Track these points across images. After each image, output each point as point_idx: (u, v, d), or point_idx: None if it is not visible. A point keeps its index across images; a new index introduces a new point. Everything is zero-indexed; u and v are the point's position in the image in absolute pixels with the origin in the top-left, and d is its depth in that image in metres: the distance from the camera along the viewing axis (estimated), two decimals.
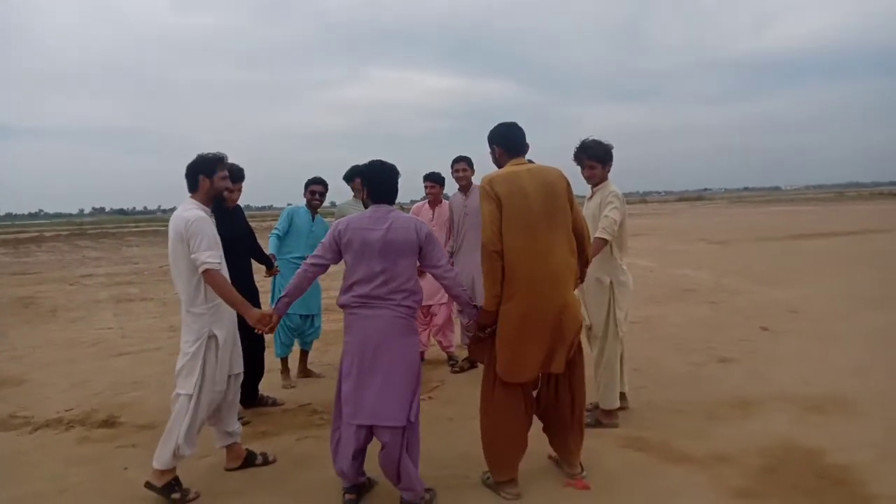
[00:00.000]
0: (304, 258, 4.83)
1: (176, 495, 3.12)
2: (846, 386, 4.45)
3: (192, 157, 3.30)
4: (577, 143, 3.98)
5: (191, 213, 3.14)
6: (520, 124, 3.29)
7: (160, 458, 3.11)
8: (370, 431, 2.91)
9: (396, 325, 2.89)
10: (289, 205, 5.33)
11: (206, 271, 3.07)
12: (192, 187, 3.29)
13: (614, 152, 4.01)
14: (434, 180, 5.40)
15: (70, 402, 4.81)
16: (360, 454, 2.97)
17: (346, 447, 2.92)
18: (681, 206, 56.97)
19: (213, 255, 3.09)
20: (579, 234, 3.19)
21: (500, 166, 3.25)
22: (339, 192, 5.39)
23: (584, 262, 3.31)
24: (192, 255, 3.08)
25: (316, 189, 5.01)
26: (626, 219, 3.91)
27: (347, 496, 3.02)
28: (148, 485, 3.13)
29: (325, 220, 5.19)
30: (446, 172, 5.34)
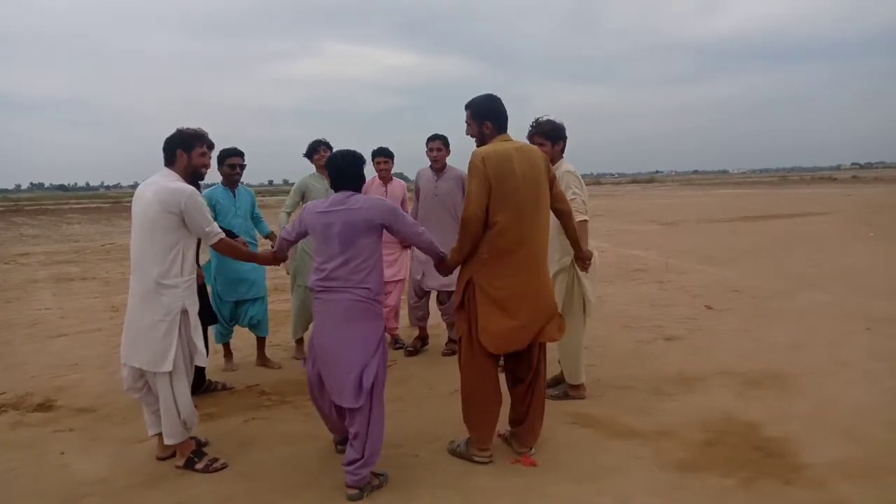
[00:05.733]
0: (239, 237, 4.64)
1: (199, 465, 3.17)
2: (782, 361, 4.65)
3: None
4: (530, 122, 3.99)
5: (184, 186, 3.12)
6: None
7: (171, 434, 3.14)
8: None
9: (356, 309, 2.92)
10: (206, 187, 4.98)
11: (220, 241, 3.19)
12: (169, 161, 3.22)
13: (568, 133, 4.01)
14: (386, 156, 5.18)
15: (3, 385, 4.59)
16: (339, 415, 3.11)
17: (325, 407, 3.15)
18: (633, 187, 58.14)
19: (217, 225, 3.21)
20: (564, 211, 3.34)
21: (484, 141, 3.20)
22: (303, 171, 5.13)
23: (572, 237, 3.45)
24: (206, 229, 3.12)
25: (235, 161, 4.60)
26: (586, 196, 3.93)
27: (339, 447, 3.24)
28: (177, 466, 3.20)
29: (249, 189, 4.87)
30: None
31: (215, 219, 4.57)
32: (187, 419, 3.16)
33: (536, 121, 3.95)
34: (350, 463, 2.88)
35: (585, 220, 3.72)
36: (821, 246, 11.16)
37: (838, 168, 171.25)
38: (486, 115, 3.21)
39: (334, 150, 3.35)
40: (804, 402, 3.86)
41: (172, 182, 3.11)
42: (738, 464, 3.09)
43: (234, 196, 4.67)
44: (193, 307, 3.16)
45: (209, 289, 4.56)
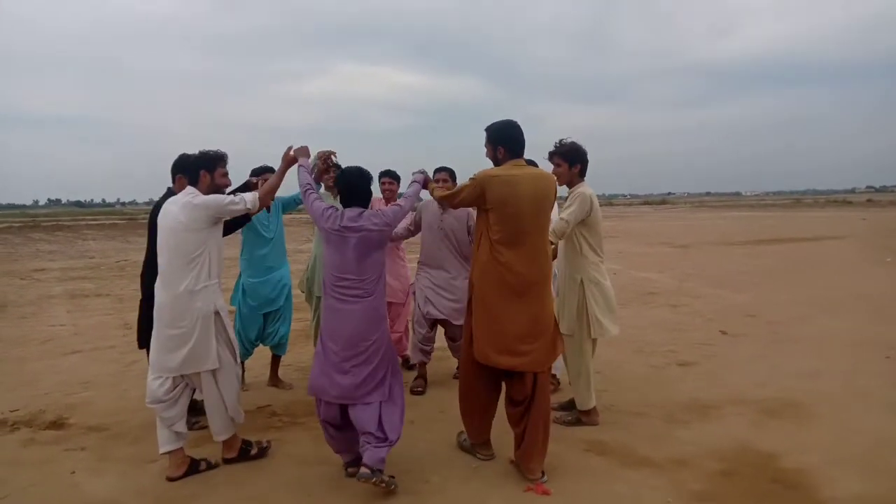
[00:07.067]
0: (266, 255, 4.68)
1: (253, 451, 3.50)
2: (799, 389, 4.57)
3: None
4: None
5: (206, 197, 3.30)
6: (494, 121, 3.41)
7: (219, 430, 3.38)
8: (342, 408, 3.16)
9: (367, 317, 3.13)
10: None
11: (260, 201, 3.45)
12: (192, 181, 3.40)
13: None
14: (392, 177, 5.13)
15: (16, 402, 4.61)
16: (336, 428, 3.23)
17: (323, 420, 3.26)
18: (645, 209, 57.91)
19: (246, 197, 3.40)
20: None
21: (498, 164, 3.32)
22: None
23: None
24: (247, 206, 3.37)
25: (269, 178, 4.55)
26: (599, 219, 3.91)
27: (349, 469, 3.28)
28: (225, 461, 3.43)
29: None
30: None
31: (249, 229, 4.58)
32: (235, 416, 3.39)
33: (560, 141, 3.97)
34: (367, 441, 3.05)
35: (551, 242, 3.69)
36: (837, 270, 11.03)
37: (853, 191, 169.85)
38: (500, 141, 3.31)
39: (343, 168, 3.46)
40: (822, 433, 3.78)
41: (196, 198, 3.29)
42: (756, 497, 3.03)
43: (269, 210, 4.65)
44: (223, 309, 3.33)
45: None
